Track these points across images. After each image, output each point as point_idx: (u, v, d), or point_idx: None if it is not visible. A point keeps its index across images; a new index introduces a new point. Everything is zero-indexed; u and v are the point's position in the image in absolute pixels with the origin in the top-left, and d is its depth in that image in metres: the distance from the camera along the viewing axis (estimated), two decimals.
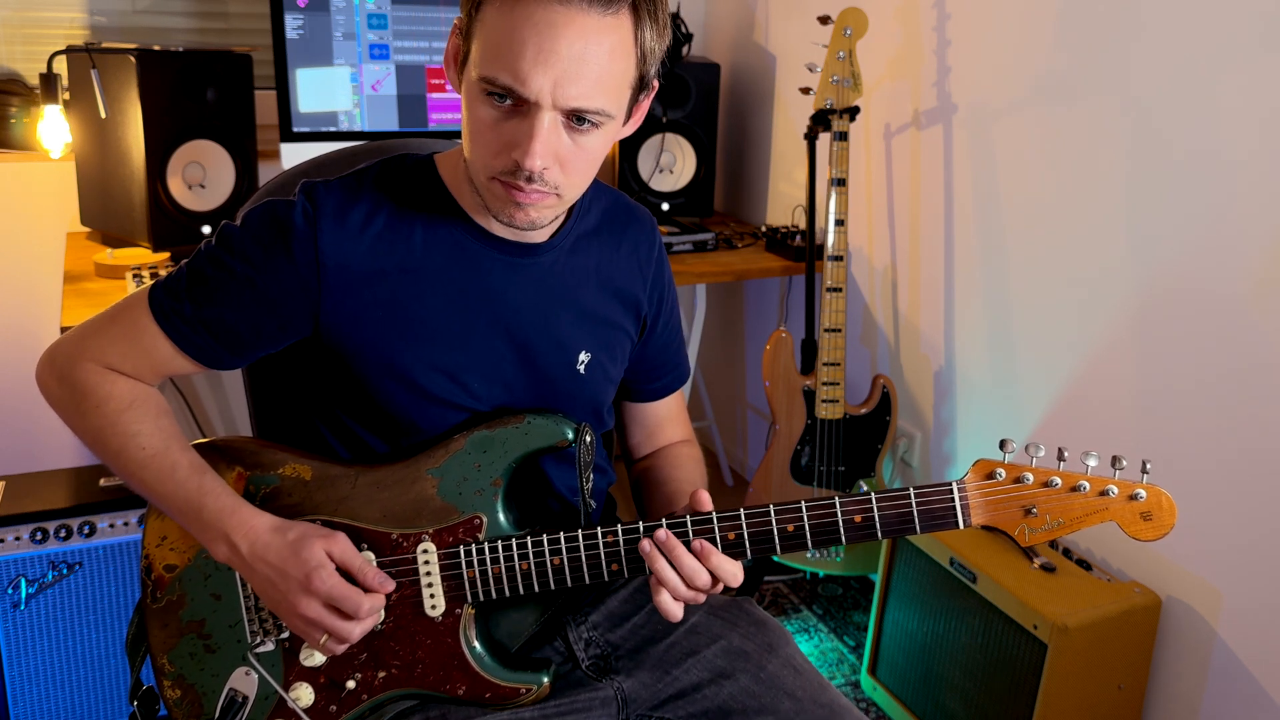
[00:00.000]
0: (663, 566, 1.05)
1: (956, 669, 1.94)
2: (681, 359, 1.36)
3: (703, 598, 1.07)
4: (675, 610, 1.06)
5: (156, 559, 1.15)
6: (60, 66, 2.19)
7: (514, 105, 0.98)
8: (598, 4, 0.95)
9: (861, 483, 2.31)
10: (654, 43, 1.02)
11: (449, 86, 2.42)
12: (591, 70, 0.96)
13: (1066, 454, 1.03)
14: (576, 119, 0.99)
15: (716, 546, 1.06)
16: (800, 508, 1.05)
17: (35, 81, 2.47)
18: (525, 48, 0.94)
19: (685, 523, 1.06)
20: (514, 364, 1.15)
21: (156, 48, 2.12)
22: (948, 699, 1.97)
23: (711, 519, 1.06)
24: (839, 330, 2.26)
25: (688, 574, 1.05)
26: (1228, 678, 1.78)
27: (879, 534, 1.05)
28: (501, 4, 0.96)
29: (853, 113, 2.23)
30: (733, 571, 1.06)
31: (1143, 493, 1.03)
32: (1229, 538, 1.74)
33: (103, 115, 2.13)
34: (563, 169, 1.01)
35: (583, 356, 1.18)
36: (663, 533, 1.05)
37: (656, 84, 1.08)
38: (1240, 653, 1.75)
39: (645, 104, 1.09)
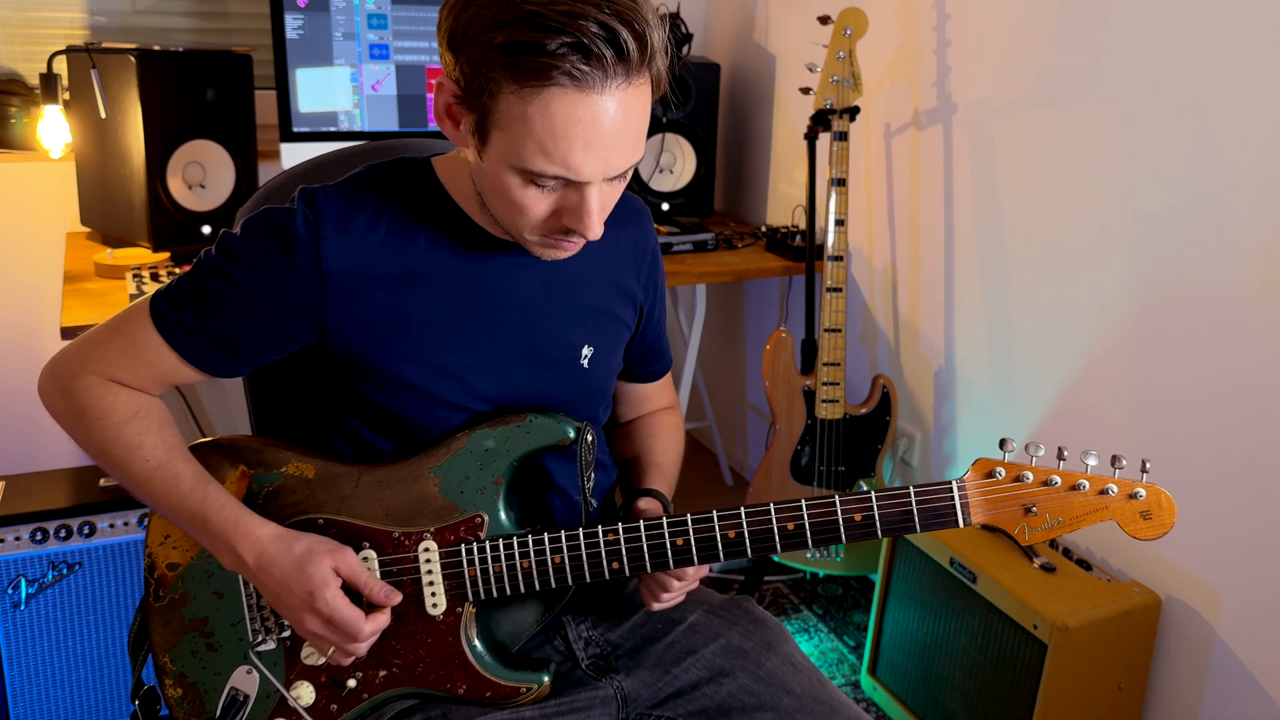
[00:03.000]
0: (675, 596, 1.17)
1: (956, 669, 1.94)
2: (667, 346, 1.40)
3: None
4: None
5: (159, 557, 1.16)
6: (60, 66, 2.19)
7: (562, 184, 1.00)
8: (622, 74, 0.94)
9: (861, 483, 2.31)
10: (663, 63, 1.01)
11: None
12: (631, 135, 0.98)
13: (1066, 453, 1.04)
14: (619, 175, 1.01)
15: (718, 546, 1.08)
16: (800, 506, 1.06)
17: (35, 81, 2.47)
18: (574, 142, 0.95)
19: (685, 521, 1.07)
20: (519, 364, 1.15)
21: (156, 48, 2.12)
22: (948, 699, 1.97)
23: (712, 518, 1.07)
24: (839, 330, 2.26)
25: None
26: (1228, 678, 1.78)
27: (879, 532, 1.05)
28: (525, 94, 0.93)
29: (853, 113, 2.23)
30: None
31: (1142, 491, 1.03)
32: (1229, 538, 1.74)
33: (103, 115, 2.13)
34: (605, 209, 1.03)
35: (586, 351, 1.19)
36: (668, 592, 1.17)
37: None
38: (1240, 653, 1.76)
39: None
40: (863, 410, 2.32)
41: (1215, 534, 1.76)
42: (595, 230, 1.01)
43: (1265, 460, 1.68)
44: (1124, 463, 1.03)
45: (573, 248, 1.06)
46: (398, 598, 1.08)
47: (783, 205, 2.85)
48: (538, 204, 1.00)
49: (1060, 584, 1.83)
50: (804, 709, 1.14)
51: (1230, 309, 1.70)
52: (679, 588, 1.16)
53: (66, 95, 2.23)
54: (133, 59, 2.07)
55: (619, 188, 1.04)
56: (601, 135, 0.95)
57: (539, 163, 0.96)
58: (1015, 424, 2.14)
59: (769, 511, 1.06)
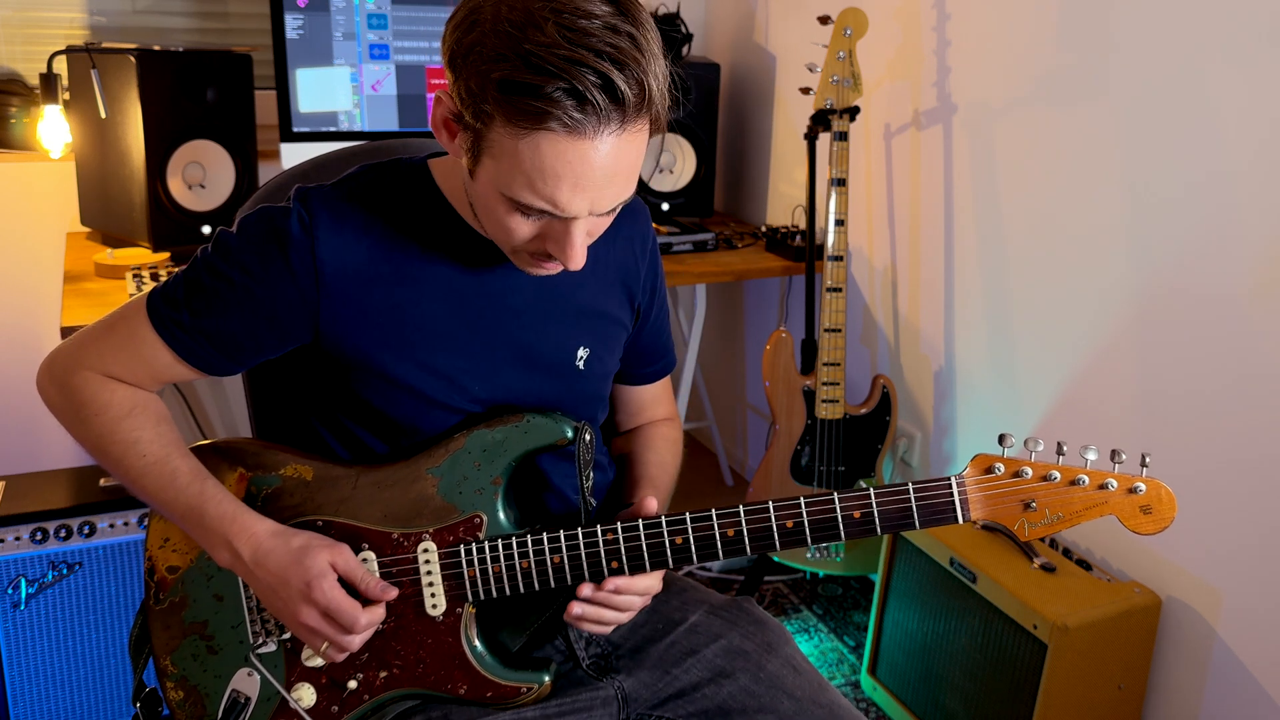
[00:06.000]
0: (593, 626, 1.13)
1: (956, 669, 1.94)
2: (670, 345, 1.38)
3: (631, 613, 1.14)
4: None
5: (159, 560, 1.16)
6: (60, 66, 2.19)
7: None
8: (616, 120, 0.93)
9: (861, 483, 2.31)
10: (661, 105, 0.99)
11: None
12: (623, 176, 0.97)
13: (1065, 448, 1.03)
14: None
15: (716, 544, 1.07)
16: (799, 504, 1.06)
17: (35, 81, 2.47)
18: (561, 183, 0.94)
19: (684, 520, 1.07)
20: (514, 366, 1.15)
21: (156, 48, 2.12)
22: (948, 699, 1.97)
23: (711, 517, 1.07)
24: (839, 330, 2.26)
25: (617, 612, 1.12)
26: (1228, 678, 1.78)
27: (878, 530, 1.05)
28: (517, 132, 0.92)
29: (853, 113, 2.23)
30: (649, 585, 1.12)
31: (1142, 486, 1.03)
32: (1229, 538, 1.74)
33: (103, 115, 2.13)
34: (590, 237, 1.03)
35: (581, 353, 1.19)
36: (587, 589, 1.09)
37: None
38: (1240, 653, 1.76)
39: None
40: (863, 410, 2.32)
41: (1215, 534, 1.76)
42: (576, 262, 1.01)
43: (1265, 460, 1.68)
44: (1124, 457, 1.03)
45: (554, 268, 1.06)
46: (393, 593, 1.09)
47: (783, 205, 2.84)
48: (522, 228, 1.00)
49: (1060, 584, 1.83)
50: (804, 712, 1.14)
51: (1230, 308, 1.70)
52: (615, 616, 1.13)
53: (66, 95, 2.23)
54: (133, 59, 2.07)
55: (607, 219, 1.03)
56: (591, 177, 0.94)
57: (525, 195, 0.96)
58: (1016, 424, 2.14)
59: (768, 509, 1.06)
